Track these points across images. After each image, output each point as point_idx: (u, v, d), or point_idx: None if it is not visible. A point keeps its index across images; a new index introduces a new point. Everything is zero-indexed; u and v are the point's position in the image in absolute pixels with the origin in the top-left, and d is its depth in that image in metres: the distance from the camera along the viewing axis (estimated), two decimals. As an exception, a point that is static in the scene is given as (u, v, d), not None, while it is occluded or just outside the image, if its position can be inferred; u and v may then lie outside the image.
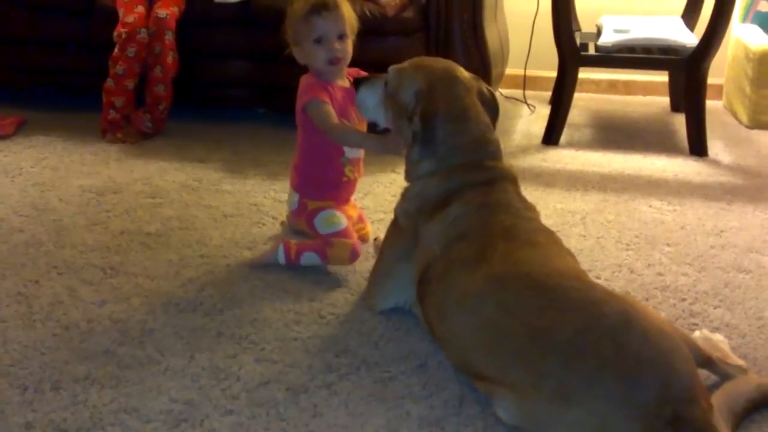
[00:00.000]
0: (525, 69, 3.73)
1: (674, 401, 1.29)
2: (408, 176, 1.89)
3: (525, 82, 3.74)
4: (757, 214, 2.52)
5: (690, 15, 3.50)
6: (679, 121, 3.34)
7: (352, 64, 2.17)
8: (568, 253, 1.71)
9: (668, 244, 2.29)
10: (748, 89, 3.41)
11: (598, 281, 2.01)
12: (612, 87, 4.06)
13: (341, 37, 2.10)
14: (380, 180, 2.75)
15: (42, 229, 2.36)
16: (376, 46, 2.94)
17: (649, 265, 2.16)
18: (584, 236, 2.35)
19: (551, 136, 3.22)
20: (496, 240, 1.64)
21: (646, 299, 1.97)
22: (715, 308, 1.93)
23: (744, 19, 3.71)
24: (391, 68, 1.91)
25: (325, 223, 2.13)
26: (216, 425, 1.50)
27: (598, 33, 3.30)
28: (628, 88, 4.04)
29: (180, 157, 3.00)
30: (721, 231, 2.38)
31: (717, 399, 1.43)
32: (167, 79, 3.22)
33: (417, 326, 1.83)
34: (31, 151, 3.05)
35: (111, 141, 3.16)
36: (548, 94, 3.60)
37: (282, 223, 2.36)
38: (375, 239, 2.23)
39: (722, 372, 1.58)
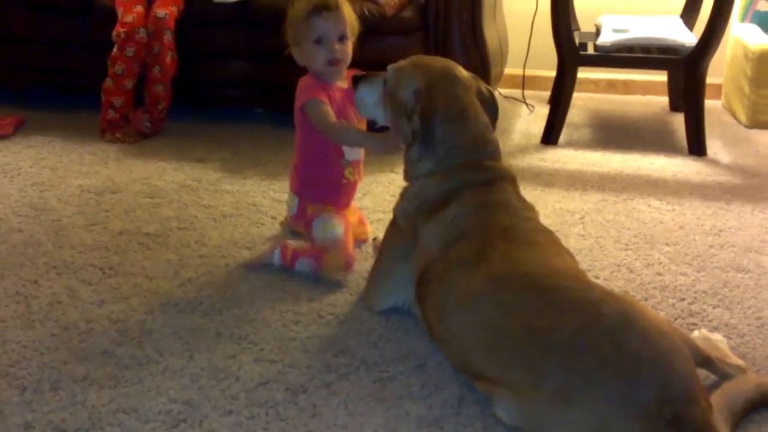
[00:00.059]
0: (524, 68, 3.73)
1: (674, 401, 1.29)
2: (407, 176, 1.89)
3: (524, 82, 3.74)
4: (756, 213, 2.52)
5: (689, 14, 3.50)
6: (678, 121, 3.34)
7: (351, 65, 2.16)
8: (567, 252, 1.71)
9: (667, 244, 2.29)
10: (747, 89, 3.41)
11: (597, 281, 2.01)
12: (611, 86, 4.06)
13: (342, 38, 2.10)
14: (379, 180, 2.75)
15: (41, 229, 2.36)
16: (375, 45, 2.93)
17: (648, 264, 2.16)
18: (583, 236, 2.35)
19: (550, 136, 3.22)
20: (495, 240, 1.64)
21: (645, 299, 1.98)
22: (714, 308, 1.94)
23: (743, 19, 3.71)
24: (390, 67, 1.91)
25: (322, 228, 2.12)
26: (215, 425, 1.50)
27: (597, 32, 3.30)
28: (627, 87, 4.04)
29: (179, 157, 2.99)
30: (720, 230, 2.38)
31: (716, 399, 1.43)
32: (166, 79, 3.21)
33: (416, 326, 1.83)
34: (29, 150, 3.05)
35: (110, 141, 3.16)
36: (547, 93, 3.59)
37: (281, 223, 2.36)
38: (374, 239, 2.23)
39: (721, 372, 1.58)
